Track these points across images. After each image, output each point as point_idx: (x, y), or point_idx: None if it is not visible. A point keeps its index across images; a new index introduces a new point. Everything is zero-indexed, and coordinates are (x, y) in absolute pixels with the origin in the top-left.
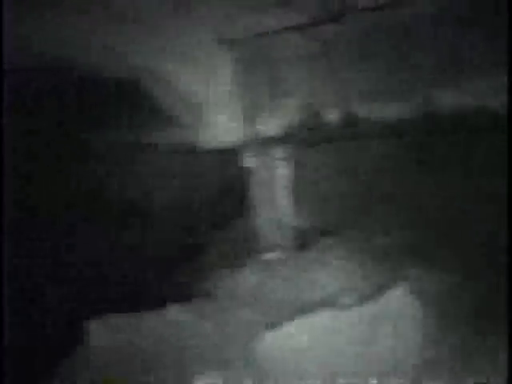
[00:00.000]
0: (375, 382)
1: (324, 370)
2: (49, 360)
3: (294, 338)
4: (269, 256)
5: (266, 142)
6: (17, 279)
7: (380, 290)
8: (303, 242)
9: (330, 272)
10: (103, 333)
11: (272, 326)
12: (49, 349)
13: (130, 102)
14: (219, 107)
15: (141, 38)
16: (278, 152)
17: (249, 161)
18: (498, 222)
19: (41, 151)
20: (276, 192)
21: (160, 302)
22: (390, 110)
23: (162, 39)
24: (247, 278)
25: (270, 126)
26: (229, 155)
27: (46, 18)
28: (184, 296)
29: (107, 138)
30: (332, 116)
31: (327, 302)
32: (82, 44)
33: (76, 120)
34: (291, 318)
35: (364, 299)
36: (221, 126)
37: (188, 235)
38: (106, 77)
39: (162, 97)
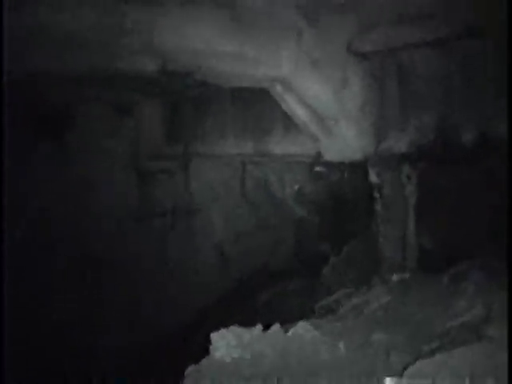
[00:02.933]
0: None
1: None
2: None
3: (446, 372)
4: (396, 277)
5: (396, 159)
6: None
7: None
8: (431, 264)
9: (467, 299)
10: (227, 345)
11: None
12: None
13: (258, 110)
14: (349, 120)
15: (272, 46)
16: (407, 170)
17: (377, 177)
18: None
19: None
20: (403, 211)
21: (281, 316)
22: None
23: (292, 48)
24: (376, 298)
25: (400, 142)
26: (356, 170)
27: (175, 22)
28: (306, 312)
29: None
30: (467, 136)
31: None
32: (211, 51)
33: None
34: (438, 347)
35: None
36: (349, 139)
37: (308, 249)
38: (233, 85)
39: (290, 106)
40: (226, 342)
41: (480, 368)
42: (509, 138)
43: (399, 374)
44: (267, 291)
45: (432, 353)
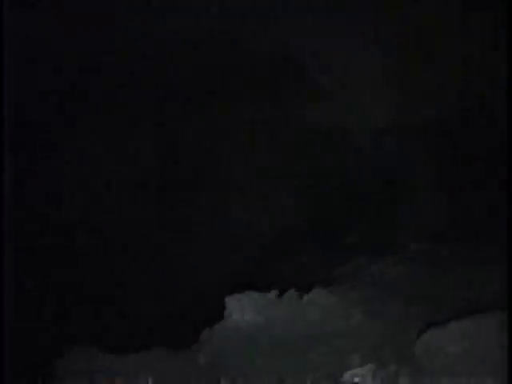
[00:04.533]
0: None
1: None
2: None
3: (457, 341)
4: (416, 246)
5: (419, 127)
6: None
7: None
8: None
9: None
10: (241, 309)
11: (431, 324)
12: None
13: (286, 77)
14: (372, 89)
15: (299, 15)
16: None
17: (397, 145)
18: None
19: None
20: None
21: (300, 282)
22: None
23: (319, 17)
24: (392, 268)
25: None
26: (378, 137)
27: None
28: (326, 278)
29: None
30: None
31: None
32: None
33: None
34: (452, 316)
35: None
36: (373, 108)
37: (328, 216)
38: (262, 52)
39: (313, 73)
40: (240, 306)
41: (492, 336)
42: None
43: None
44: (289, 255)
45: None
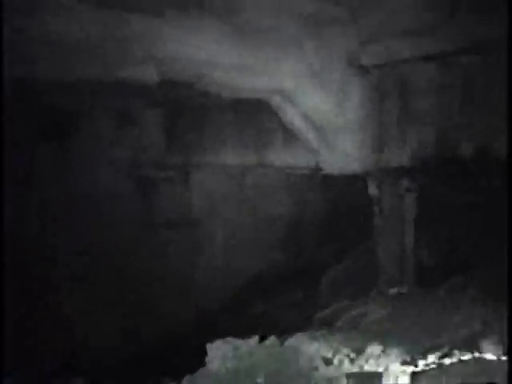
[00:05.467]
0: None
1: None
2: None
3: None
4: (393, 290)
5: (396, 172)
6: None
7: None
8: (428, 278)
9: (464, 314)
10: (223, 356)
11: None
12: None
13: (256, 122)
14: (348, 133)
15: (273, 58)
16: (406, 183)
17: (376, 190)
18: None
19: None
20: (400, 224)
21: (279, 326)
22: None
23: (293, 60)
24: (372, 312)
25: (400, 155)
26: (355, 182)
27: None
28: (303, 324)
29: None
30: (466, 150)
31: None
32: (214, 61)
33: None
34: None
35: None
36: (349, 152)
37: (305, 261)
38: (234, 96)
39: (289, 118)
40: (222, 353)
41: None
42: (508, 145)
43: None
44: (265, 301)
45: (427, 366)
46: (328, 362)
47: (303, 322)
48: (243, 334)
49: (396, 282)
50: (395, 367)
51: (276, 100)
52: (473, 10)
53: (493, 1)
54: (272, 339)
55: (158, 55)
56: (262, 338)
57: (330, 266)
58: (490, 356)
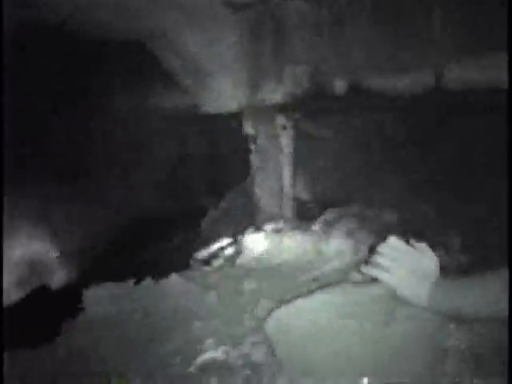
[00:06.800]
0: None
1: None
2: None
3: (308, 315)
4: (270, 226)
5: (271, 110)
6: None
7: None
8: (306, 213)
9: (337, 245)
10: (102, 302)
11: (282, 300)
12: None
13: (135, 64)
14: (223, 72)
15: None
16: (282, 120)
17: (252, 128)
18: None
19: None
20: (277, 162)
21: (158, 269)
22: (399, 83)
23: (167, 1)
24: (249, 248)
25: (275, 93)
26: (231, 121)
27: None
28: (183, 263)
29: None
30: (339, 86)
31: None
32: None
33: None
34: (301, 292)
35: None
36: (224, 91)
37: (187, 202)
38: (111, 38)
39: (166, 59)
40: (97, 299)
41: (342, 309)
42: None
43: (264, 320)
44: (146, 243)
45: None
46: (203, 299)
47: (182, 264)
48: (122, 277)
49: (274, 219)
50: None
51: (155, 43)
52: None
53: None
54: (148, 281)
55: None
56: (139, 281)
57: (211, 206)
58: None
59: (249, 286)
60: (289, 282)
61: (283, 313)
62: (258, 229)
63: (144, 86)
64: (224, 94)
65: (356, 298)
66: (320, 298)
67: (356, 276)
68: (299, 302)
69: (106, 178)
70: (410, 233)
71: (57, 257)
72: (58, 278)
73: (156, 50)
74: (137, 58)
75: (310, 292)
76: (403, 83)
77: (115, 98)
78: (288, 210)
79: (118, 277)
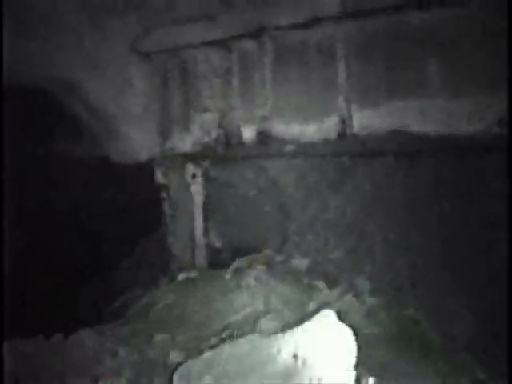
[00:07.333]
0: None
1: None
2: None
3: (216, 366)
4: (183, 275)
5: (181, 158)
6: None
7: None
8: (218, 261)
9: (248, 294)
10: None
11: (191, 352)
12: None
13: (40, 112)
14: (133, 121)
15: (54, 48)
16: (192, 169)
17: (163, 177)
18: None
19: None
20: (189, 210)
21: (69, 322)
22: (305, 130)
23: (74, 49)
24: (161, 299)
25: (185, 141)
26: (143, 170)
27: None
28: (94, 317)
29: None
30: (248, 133)
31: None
32: None
33: None
34: (211, 342)
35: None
36: (135, 140)
37: (99, 253)
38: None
39: (73, 108)
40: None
41: (247, 362)
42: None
43: (173, 374)
44: (60, 296)
45: (210, 348)
46: (114, 354)
47: (94, 317)
48: (34, 332)
49: (188, 267)
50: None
51: (60, 91)
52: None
53: None
54: (57, 336)
55: None
56: (48, 336)
57: (124, 256)
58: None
59: (160, 337)
60: (200, 332)
61: (191, 365)
62: (171, 278)
63: (50, 134)
64: (134, 143)
65: (262, 351)
66: (227, 351)
67: (267, 324)
68: (208, 354)
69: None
70: (319, 275)
71: None
72: None
73: (63, 98)
74: (43, 106)
75: (220, 342)
76: (311, 130)
77: (16, 145)
78: (201, 258)
79: (27, 332)
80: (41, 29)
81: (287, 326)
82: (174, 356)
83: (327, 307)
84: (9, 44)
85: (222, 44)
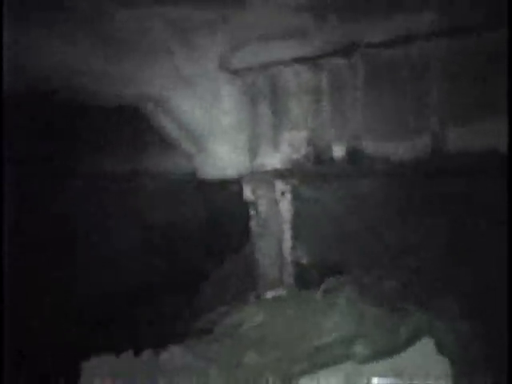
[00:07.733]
0: None
1: None
2: None
3: None
4: (270, 293)
5: (270, 176)
6: None
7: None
8: (305, 279)
9: (338, 315)
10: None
11: (283, 376)
12: None
13: (129, 129)
14: (222, 137)
15: (142, 65)
16: (281, 186)
17: (251, 194)
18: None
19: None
20: (277, 227)
21: (157, 341)
22: (396, 148)
23: (164, 66)
24: (249, 317)
25: (273, 158)
26: (231, 187)
27: (42, 41)
28: (180, 335)
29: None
30: (338, 151)
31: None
32: (80, 69)
33: (70, 149)
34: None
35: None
36: (223, 156)
37: (185, 268)
38: (102, 104)
39: (162, 124)
40: (97, 371)
41: None
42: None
43: None
44: (145, 312)
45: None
46: (204, 374)
47: (182, 332)
48: (123, 347)
49: (275, 285)
50: None
51: (148, 107)
52: (344, 16)
53: (360, 8)
54: (147, 353)
55: (21, 64)
56: (137, 352)
57: (210, 272)
58: None
59: (250, 358)
60: (290, 354)
61: None
62: (258, 296)
63: (139, 151)
64: (222, 160)
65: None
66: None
67: (359, 348)
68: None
69: (101, 246)
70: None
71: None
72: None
73: (152, 115)
74: (133, 123)
75: (312, 368)
76: (403, 148)
77: (106, 162)
78: (288, 276)
79: (117, 348)
80: (129, 47)
81: (381, 353)
82: (266, 379)
83: (419, 333)
84: (95, 64)
85: (313, 61)
